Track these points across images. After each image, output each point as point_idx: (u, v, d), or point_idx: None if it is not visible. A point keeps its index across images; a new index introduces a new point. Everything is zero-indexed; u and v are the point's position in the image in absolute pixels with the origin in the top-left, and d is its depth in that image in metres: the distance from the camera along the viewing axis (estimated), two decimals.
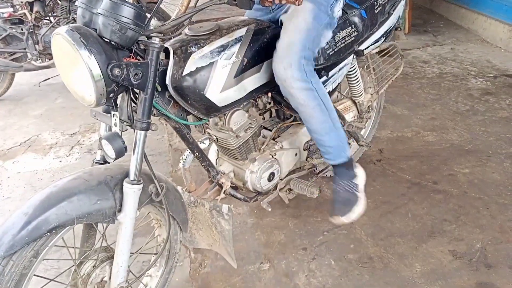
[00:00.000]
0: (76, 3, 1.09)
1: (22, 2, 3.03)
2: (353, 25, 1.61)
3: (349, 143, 1.79)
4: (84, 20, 1.05)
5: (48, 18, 3.18)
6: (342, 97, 2.00)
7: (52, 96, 3.32)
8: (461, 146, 2.34)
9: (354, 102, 1.97)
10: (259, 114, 1.69)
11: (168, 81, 1.19)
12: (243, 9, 1.13)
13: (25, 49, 3.14)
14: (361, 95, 1.94)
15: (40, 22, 3.13)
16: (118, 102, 1.18)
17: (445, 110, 2.73)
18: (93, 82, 1.00)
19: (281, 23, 1.43)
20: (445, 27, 4.15)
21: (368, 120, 2.10)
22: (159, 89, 1.21)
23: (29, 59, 3.18)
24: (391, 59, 2.05)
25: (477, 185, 2.01)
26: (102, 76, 1.01)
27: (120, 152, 1.10)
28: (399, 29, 1.96)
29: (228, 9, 4.31)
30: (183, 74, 1.20)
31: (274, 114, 1.78)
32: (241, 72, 1.31)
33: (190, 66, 1.21)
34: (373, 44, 1.78)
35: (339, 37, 1.54)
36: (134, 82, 1.07)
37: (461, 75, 3.21)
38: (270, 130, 1.68)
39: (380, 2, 1.72)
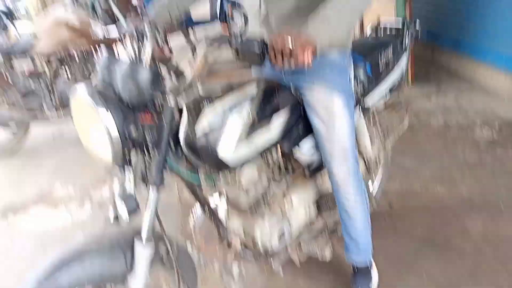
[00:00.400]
0: (97, 64, 1.16)
1: (41, 58, 3.17)
2: (358, 81, 1.67)
3: None
4: (103, 81, 1.11)
5: (66, 72, 3.32)
6: None
7: (66, 148, 3.39)
8: (472, 200, 2.33)
9: (362, 157, 1.99)
10: (268, 169, 1.71)
11: (181, 138, 1.22)
12: (254, 65, 1.17)
13: (41, 101, 3.25)
14: (368, 149, 1.95)
15: (58, 76, 3.26)
16: (132, 159, 1.19)
17: (453, 161, 2.75)
18: (110, 141, 1.04)
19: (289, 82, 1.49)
20: (447, 77, 4.26)
21: (376, 175, 2.11)
22: (172, 146, 1.24)
23: (45, 111, 3.28)
24: (397, 113, 2.10)
25: (491, 241, 1.99)
26: (119, 136, 1.04)
27: (133, 211, 1.12)
28: (404, 83, 2.02)
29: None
30: (195, 131, 1.23)
31: (283, 168, 1.80)
32: (252, 128, 1.34)
33: (202, 123, 1.23)
34: (379, 98, 1.84)
35: None
36: (149, 141, 1.11)
37: (467, 125, 3.25)
38: (280, 186, 1.69)
39: (384, 58, 1.80)
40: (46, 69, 3.19)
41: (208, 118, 1.24)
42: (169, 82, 1.17)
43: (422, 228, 2.12)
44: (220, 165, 1.31)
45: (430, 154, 2.86)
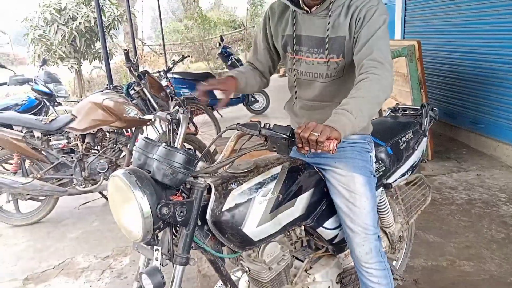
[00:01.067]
0: (134, 148, 1.26)
1: (76, 135, 3.41)
2: (380, 161, 1.73)
3: None
4: (139, 163, 1.18)
5: (96, 148, 3.53)
6: None
7: (90, 219, 3.48)
8: (501, 278, 2.22)
9: (385, 233, 1.97)
10: (291, 244, 1.70)
11: (208, 216, 1.25)
12: (281, 154, 1.22)
13: (71, 175, 3.43)
14: (391, 225, 1.95)
15: (89, 152, 3.48)
16: (160, 236, 1.24)
17: (479, 238, 2.66)
18: (142, 220, 1.09)
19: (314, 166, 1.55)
20: (468, 154, 4.27)
21: (400, 251, 2.07)
22: (199, 223, 1.26)
23: (74, 184, 3.44)
24: (419, 189, 2.12)
25: None
26: (151, 215, 1.10)
27: (159, 287, 1.13)
28: (424, 161, 2.10)
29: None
30: (222, 210, 1.26)
31: (305, 243, 1.79)
32: (276, 207, 1.36)
33: (229, 202, 1.27)
34: (400, 177, 1.89)
35: None
36: (179, 219, 1.15)
37: (491, 201, 3.19)
38: (302, 261, 1.68)
39: (404, 140, 1.88)
40: (80, 146, 3.41)
41: (235, 198, 1.29)
42: (200, 163, 1.25)
43: None
44: (244, 242, 1.33)
45: (455, 230, 2.79)
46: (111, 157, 3.49)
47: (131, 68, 3.46)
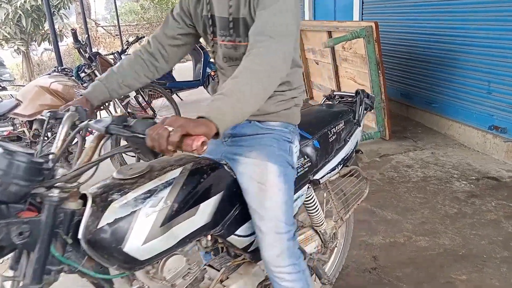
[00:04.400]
0: None
1: (22, 121, 3.19)
2: (305, 156, 1.55)
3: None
4: None
5: (47, 135, 3.32)
6: (302, 227, 1.84)
7: None
8: (454, 251, 2.31)
9: (317, 232, 1.80)
10: (206, 253, 1.52)
11: (80, 234, 1.03)
12: (147, 158, 1.03)
13: None
14: (322, 224, 1.77)
15: (37, 139, 3.26)
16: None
17: (434, 213, 2.76)
18: None
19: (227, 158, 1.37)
20: (423, 133, 4.41)
21: (332, 252, 1.97)
22: (69, 241, 1.05)
23: None
24: (355, 182, 1.95)
25: None
26: None
27: None
28: (361, 152, 2.00)
29: None
30: (98, 227, 1.04)
31: (225, 250, 1.57)
32: (170, 219, 1.14)
33: (107, 217, 1.05)
34: (330, 172, 1.72)
35: None
36: (18, 242, 0.93)
37: (445, 178, 3.31)
38: (218, 270, 1.48)
39: (335, 131, 1.70)
40: (27, 132, 3.19)
41: (115, 211, 1.07)
42: (61, 170, 1.01)
43: (408, 281, 2.07)
44: (129, 263, 1.11)
45: (411, 207, 2.87)
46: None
47: (80, 50, 3.26)
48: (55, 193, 0.97)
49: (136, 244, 1.08)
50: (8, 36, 9.00)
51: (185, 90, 6.39)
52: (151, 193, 1.13)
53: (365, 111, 1.89)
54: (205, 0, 1.35)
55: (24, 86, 4.12)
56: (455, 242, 2.40)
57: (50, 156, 1.02)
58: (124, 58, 1.53)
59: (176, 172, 1.20)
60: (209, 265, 1.50)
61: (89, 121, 1.03)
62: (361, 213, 2.74)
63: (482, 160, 3.60)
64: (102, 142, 1.16)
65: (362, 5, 5.70)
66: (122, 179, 1.15)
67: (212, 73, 6.10)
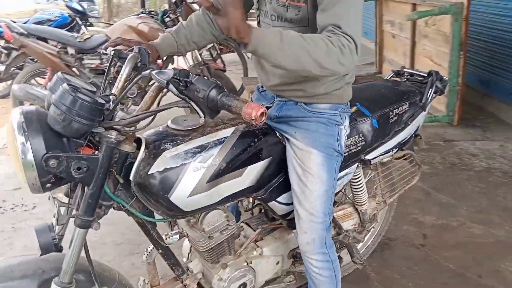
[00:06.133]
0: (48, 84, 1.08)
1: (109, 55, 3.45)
2: (360, 134, 1.48)
3: (341, 257, 1.65)
4: (47, 103, 1.01)
5: None
6: (344, 201, 1.83)
7: None
8: (509, 243, 2.29)
9: (357, 210, 1.77)
10: (245, 210, 1.57)
11: (132, 176, 1.08)
12: (208, 116, 1.03)
13: None
14: (364, 204, 1.75)
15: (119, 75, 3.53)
16: (58, 191, 1.09)
17: (492, 205, 2.71)
18: (24, 170, 0.94)
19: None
20: (495, 125, 4.19)
21: (368, 233, 1.94)
22: (121, 181, 1.11)
23: None
24: (407, 167, 1.88)
25: None
26: (34, 166, 0.93)
27: (47, 249, 1.02)
28: (420, 137, 1.86)
29: None
30: (148, 172, 1.09)
31: (262, 211, 1.62)
32: (217, 176, 1.17)
33: (158, 165, 1.10)
34: (383, 154, 1.64)
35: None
36: (76, 176, 0.99)
37: (511, 172, 3.19)
38: (254, 230, 1.52)
39: (397, 112, 1.60)
40: (112, 68, 3.46)
41: (165, 160, 1.10)
42: (121, 113, 1.04)
43: (454, 263, 2.11)
44: (173, 211, 1.17)
45: (469, 195, 2.83)
46: (140, 84, 3.55)
47: None
48: (113, 134, 1.01)
49: (182, 195, 1.13)
50: None
51: None
52: (202, 148, 1.15)
53: (434, 95, 1.73)
54: None
55: (109, 24, 4.42)
56: (511, 235, 2.37)
57: (111, 97, 1.05)
58: (193, 14, 1.55)
59: (228, 131, 1.22)
60: (246, 223, 1.55)
61: (151, 70, 1.04)
62: (416, 191, 2.76)
63: None
64: (161, 93, 1.22)
65: None
66: (176, 129, 1.19)
67: None
